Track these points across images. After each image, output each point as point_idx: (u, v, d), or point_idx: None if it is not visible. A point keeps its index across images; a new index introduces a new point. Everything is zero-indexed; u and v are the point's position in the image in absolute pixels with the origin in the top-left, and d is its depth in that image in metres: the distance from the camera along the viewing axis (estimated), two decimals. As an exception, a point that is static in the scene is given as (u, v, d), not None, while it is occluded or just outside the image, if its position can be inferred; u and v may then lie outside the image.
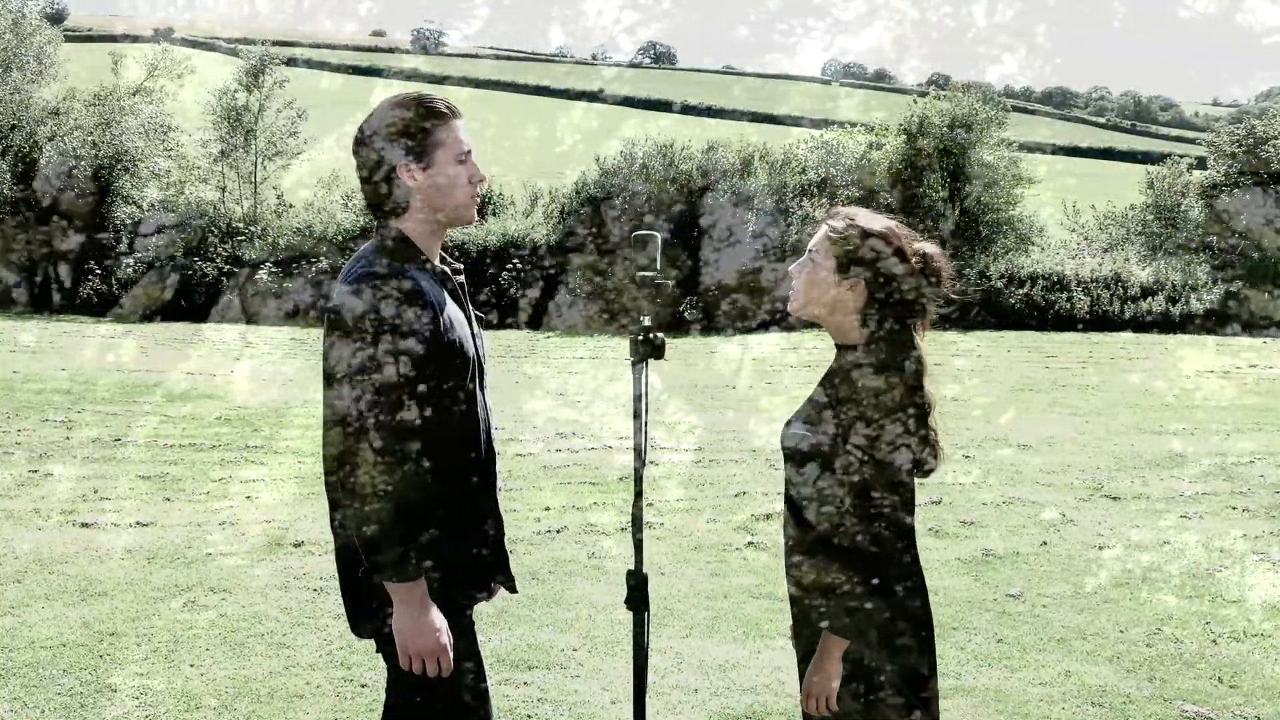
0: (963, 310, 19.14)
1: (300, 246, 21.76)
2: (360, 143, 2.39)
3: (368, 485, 2.20)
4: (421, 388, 2.26)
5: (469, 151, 2.40)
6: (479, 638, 2.52)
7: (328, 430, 2.25)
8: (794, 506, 2.36)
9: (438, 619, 2.27)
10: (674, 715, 3.92)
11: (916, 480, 2.32)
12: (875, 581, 2.23)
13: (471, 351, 2.38)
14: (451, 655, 2.29)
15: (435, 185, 2.37)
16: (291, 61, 29.26)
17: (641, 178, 20.85)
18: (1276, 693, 4.18)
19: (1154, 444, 9.22)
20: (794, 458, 2.33)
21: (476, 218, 2.49)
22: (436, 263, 2.43)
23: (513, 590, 2.56)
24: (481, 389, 2.46)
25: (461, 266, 2.54)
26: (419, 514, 2.28)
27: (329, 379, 2.25)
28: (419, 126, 2.35)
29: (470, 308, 2.50)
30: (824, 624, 2.26)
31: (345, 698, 3.99)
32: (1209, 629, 4.83)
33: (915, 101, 26.42)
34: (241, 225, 22.58)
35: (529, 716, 3.89)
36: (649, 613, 2.53)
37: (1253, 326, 20.55)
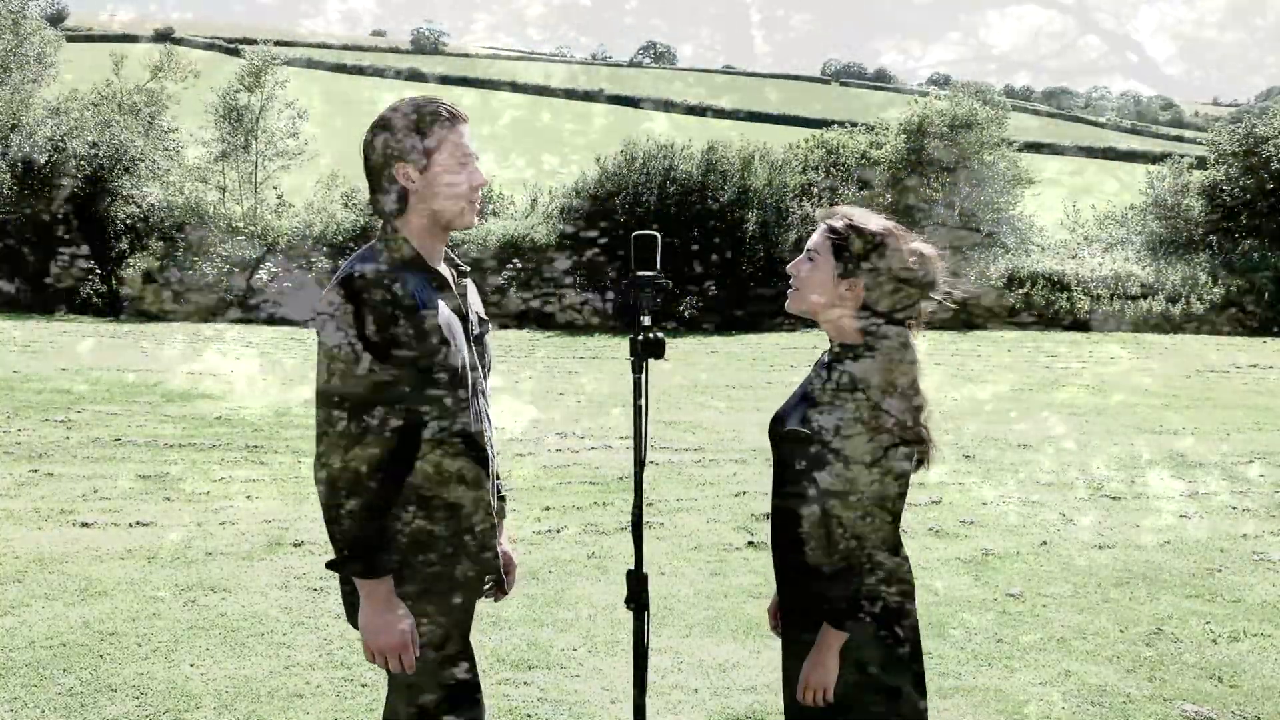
0: (962, 309, 19.18)
1: (300, 246, 21.80)
2: (365, 144, 2.44)
3: (336, 482, 2.26)
4: (399, 389, 2.28)
5: (470, 155, 2.42)
6: (479, 637, 2.53)
7: (316, 428, 2.32)
8: (783, 499, 2.38)
9: (401, 617, 2.31)
10: (674, 715, 3.92)
11: (913, 478, 2.35)
12: (870, 575, 2.27)
13: (462, 355, 2.39)
14: (415, 653, 2.33)
15: (432, 187, 2.39)
16: (306, 62, 29.37)
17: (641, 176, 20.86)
18: (1276, 692, 4.18)
19: (1154, 444, 9.22)
20: (785, 450, 2.36)
21: (476, 221, 2.51)
22: (437, 264, 2.44)
23: (504, 592, 2.58)
24: (480, 393, 2.47)
25: (467, 269, 2.55)
26: (393, 512, 2.31)
27: (317, 378, 2.33)
28: (419, 129, 2.39)
29: (471, 311, 2.51)
30: (824, 618, 2.28)
31: (345, 697, 3.99)
32: (1209, 629, 4.83)
33: (915, 101, 26.47)
34: (241, 225, 22.60)
35: (529, 716, 3.89)
36: (649, 613, 2.53)
37: (1252, 326, 20.54)
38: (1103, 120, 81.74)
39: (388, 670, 2.36)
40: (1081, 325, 20.37)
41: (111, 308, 21.39)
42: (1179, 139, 62.20)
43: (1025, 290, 21.07)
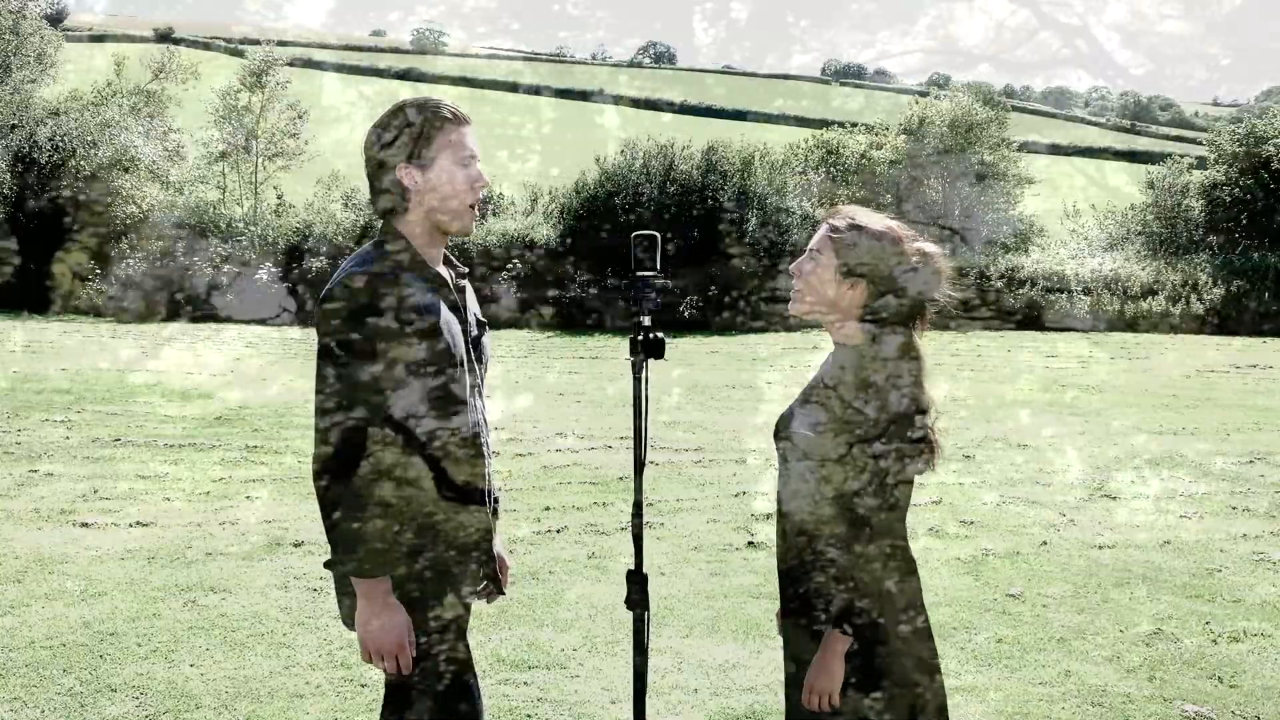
0: (963, 310, 19.17)
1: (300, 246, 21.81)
2: (367, 143, 2.43)
3: (339, 483, 2.25)
4: (401, 389, 2.28)
5: (473, 157, 2.42)
6: (479, 637, 2.53)
7: (315, 429, 2.31)
8: (788, 503, 2.37)
9: (399, 617, 2.31)
10: (674, 715, 3.92)
11: (916, 479, 2.33)
12: (876, 579, 2.25)
13: (461, 356, 2.39)
14: (412, 654, 2.32)
15: (434, 188, 2.39)
16: (304, 63, 29.37)
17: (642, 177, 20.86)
18: (1276, 692, 4.18)
19: (1154, 444, 9.22)
20: (790, 453, 2.34)
21: (474, 228, 2.51)
22: (436, 266, 2.44)
23: (500, 592, 2.57)
24: (477, 394, 2.47)
25: (465, 270, 2.55)
26: (391, 513, 2.30)
27: (317, 378, 2.32)
28: (423, 129, 2.38)
29: (469, 313, 2.51)
30: (829, 621, 2.27)
31: (345, 698, 3.99)
32: (1209, 629, 4.83)
33: (916, 102, 26.49)
34: (241, 225, 22.60)
35: (529, 716, 3.89)
36: (649, 613, 2.53)
37: (1253, 326, 20.53)
38: (1102, 120, 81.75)
39: (385, 670, 2.36)
40: (1081, 325, 20.33)
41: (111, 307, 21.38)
42: (1179, 139, 62.21)
43: (1025, 290, 21.06)
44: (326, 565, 2.34)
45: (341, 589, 2.39)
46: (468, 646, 2.50)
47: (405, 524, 2.33)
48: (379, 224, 2.50)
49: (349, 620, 2.41)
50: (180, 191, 23.47)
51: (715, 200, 20.48)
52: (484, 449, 2.47)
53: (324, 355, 2.29)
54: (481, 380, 2.54)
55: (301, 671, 4.21)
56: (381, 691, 2.58)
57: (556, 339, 18.58)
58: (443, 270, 2.47)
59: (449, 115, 2.40)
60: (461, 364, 2.39)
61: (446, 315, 2.38)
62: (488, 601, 2.58)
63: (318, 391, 2.29)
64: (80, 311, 21.26)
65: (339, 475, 2.25)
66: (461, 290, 2.51)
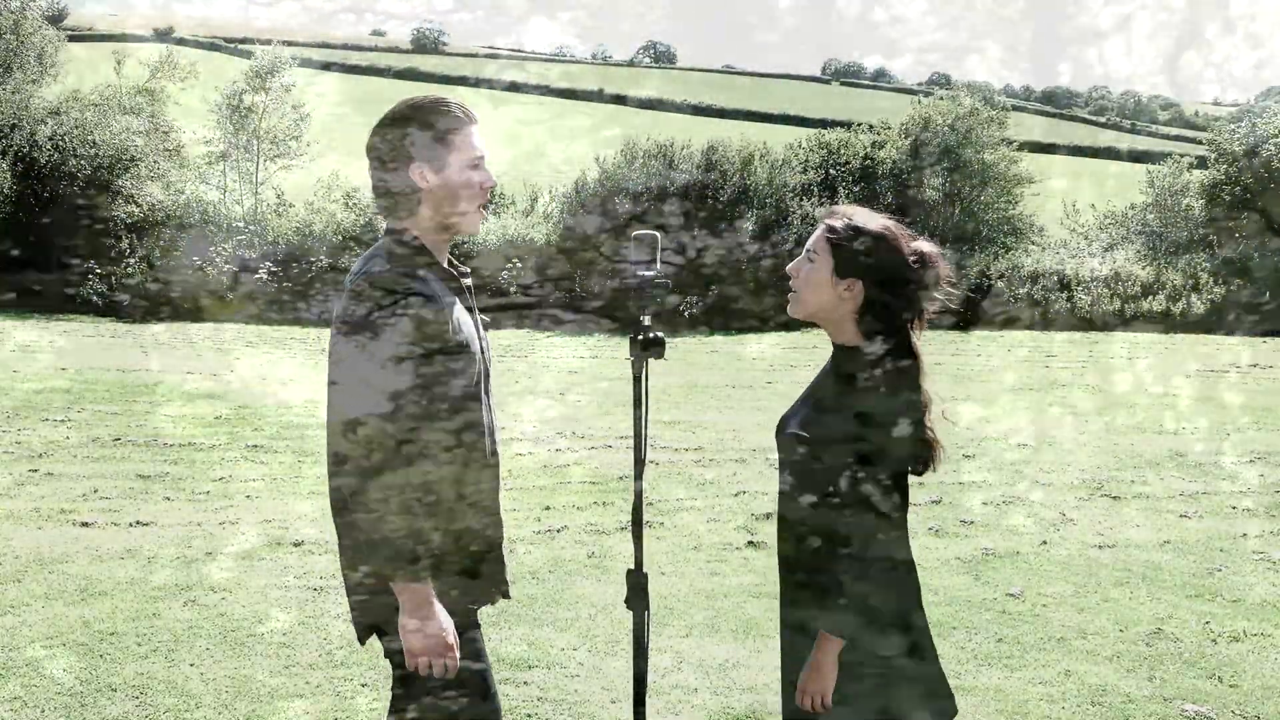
0: (963, 309, 19.17)
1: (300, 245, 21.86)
2: (374, 143, 2.40)
3: (374, 486, 2.20)
4: (429, 388, 2.26)
5: (482, 157, 2.41)
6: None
7: (333, 430, 2.24)
8: (788, 503, 2.37)
9: (444, 619, 2.27)
10: (674, 715, 3.92)
11: (915, 479, 2.33)
12: (871, 581, 2.24)
13: (478, 353, 2.39)
14: (458, 655, 2.29)
15: (445, 188, 2.37)
16: (306, 62, 29.31)
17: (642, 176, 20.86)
18: (1276, 692, 4.18)
19: (1154, 444, 9.22)
20: (789, 454, 2.34)
21: (479, 228, 2.49)
22: (444, 264, 2.43)
23: (506, 596, 2.56)
24: (486, 391, 2.46)
25: (469, 269, 2.54)
26: (425, 515, 2.27)
27: (335, 378, 2.26)
28: (434, 129, 2.36)
29: (476, 310, 2.50)
30: (821, 624, 2.27)
31: (345, 697, 3.99)
32: (1209, 629, 4.83)
33: (920, 102, 26.51)
34: (241, 225, 22.62)
35: (529, 716, 3.89)
36: (649, 613, 2.53)
37: (1253, 326, 20.53)
38: (1102, 120, 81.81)
39: (426, 674, 2.29)
40: (1081, 325, 20.32)
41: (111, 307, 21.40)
42: (1179, 139, 62.21)
43: (1025, 290, 21.06)
44: (372, 575, 2.26)
45: (370, 598, 2.32)
46: (484, 646, 2.50)
47: (435, 524, 2.30)
48: (382, 223, 2.48)
49: (367, 631, 2.37)
50: (181, 191, 23.47)
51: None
52: (498, 447, 2.47)
53: (344, 355, 2.24)
54: (489, 378, 2.53)
55: (301, 671, 4.21)
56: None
57: (557, 339, 18.58)
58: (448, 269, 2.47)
59: (460, 114, 2.39)
60: (480, 359, 2.39)
61: (462, 314, 2.37)
62: (492, 603, 2.57)
63: (337, 393, 2.24)
64: (80, 311, 21.27)
65: (366, 479, 2.20)
66: (469, 288, 2.50)
